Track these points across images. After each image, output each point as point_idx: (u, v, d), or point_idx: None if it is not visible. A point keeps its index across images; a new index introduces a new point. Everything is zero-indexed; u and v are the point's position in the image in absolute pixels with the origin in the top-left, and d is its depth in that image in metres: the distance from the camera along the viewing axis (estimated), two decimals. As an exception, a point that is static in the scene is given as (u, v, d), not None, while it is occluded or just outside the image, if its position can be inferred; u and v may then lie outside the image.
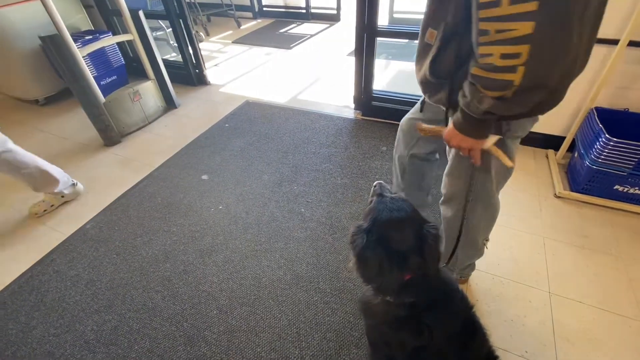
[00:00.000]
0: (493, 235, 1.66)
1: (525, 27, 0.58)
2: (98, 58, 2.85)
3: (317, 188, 1.98)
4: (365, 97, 2.55)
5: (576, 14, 0.59)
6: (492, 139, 0.83)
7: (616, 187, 1.69)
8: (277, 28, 4.80)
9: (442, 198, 1.20)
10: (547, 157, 2.11)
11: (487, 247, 1.29)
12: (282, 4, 5.18)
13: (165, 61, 2.82)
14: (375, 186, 0.93)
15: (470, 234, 1.18)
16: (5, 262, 1.69)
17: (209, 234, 1.76)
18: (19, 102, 3.16)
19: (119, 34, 2.99)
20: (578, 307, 1.36)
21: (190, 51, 3.09)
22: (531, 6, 0.56)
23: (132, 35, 2.53)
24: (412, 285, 0.79)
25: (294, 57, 3.84)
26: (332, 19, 4.88)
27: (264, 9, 5.24)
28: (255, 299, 1.46)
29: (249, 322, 1.37)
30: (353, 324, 1.34)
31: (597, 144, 1.63)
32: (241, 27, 4.87)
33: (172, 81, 2.87)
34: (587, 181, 1.73)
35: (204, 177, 2.14)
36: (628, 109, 1.79)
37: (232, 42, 4.37)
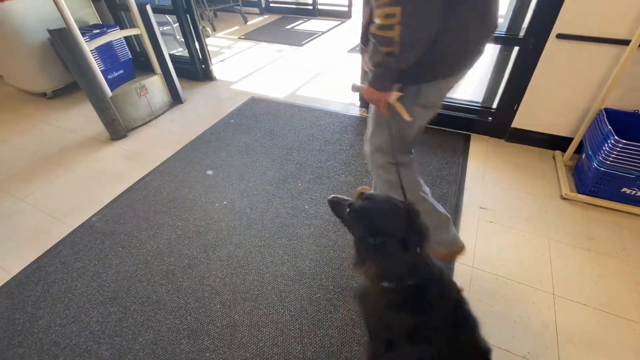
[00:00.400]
0: (497, 235, 1.66)
1: None
2: (105, 52, 2.87)
3: (322, 185, 1.99)
4: (371, 95, 2.54)
5: None
6: (395, 95, 1.00)
7: (624, 189, 1.67)
8: (284, 24, 4.78)
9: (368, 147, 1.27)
10: (553, 158, 2.10)
11: (428, 200, 1.27)
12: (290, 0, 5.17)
13: (171, 56, 2.83)
14: (335, 202, 0.96)
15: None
16: (12, 252, 1.72)
17: (213, 228, 1.77)
18: (27, 95, 3.19)
19: (127, 28, 3.00)
20: (582, 310, 1.35)
21: (197, 46, 3.10)
22: None
23: (140, 30, 2.54)
24: (414, 268, 0.81)
25: (304, 54, 3.82)
26: (343, 15, 4.85)
27: (271, 4, 5.23)
28: (258, 294, 1.46)
29: (252, 317, 1.38)
30: (355, 321, 1.35)
31: (606, 145, 1.61)
32: (248, 23, 4.87)
33: (178, 76, 2.87)
34: (594, 183, 1.72)
35: (209, 172, 2.15)
36: (638, 110, 1.77)
37: (239, 38, 4.37)
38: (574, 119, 1.99)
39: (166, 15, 3.92)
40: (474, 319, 0.83)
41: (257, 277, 1.53)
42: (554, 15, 1.73)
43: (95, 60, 2.30)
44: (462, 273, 1.50)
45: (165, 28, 4.14)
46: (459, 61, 1.00)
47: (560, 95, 1.95)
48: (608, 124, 1.64)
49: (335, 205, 0.95)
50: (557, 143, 2.10)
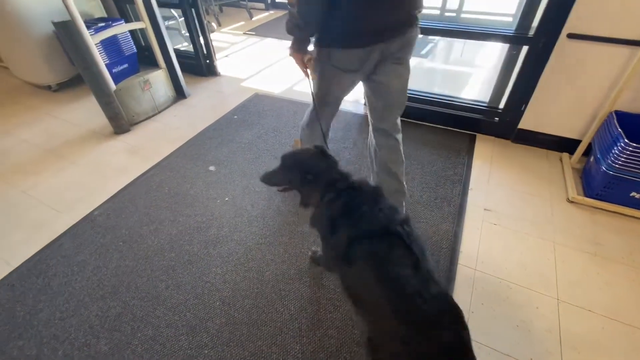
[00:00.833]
0: (501, 237, 1.63)
1: None
2: (110, 46, 2.86)
3: (324, 183, 1.97)
4: (376, 93, 2.51)
5: None
6: (307, 57, 1.31)
7: (633, 194, 1.63)
8: (289, 20, 4.75)
9: None
10: (560, 160, 2.06)
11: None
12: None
13: (176, 51, 2.82)
14: None
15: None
16: (14, 245, 1.72)
17: (214, 225, 1.76)
18: (32, 87, 3.19)
19: (132, 22, 2.99)
20: (586, 316, 1.33)
21: (202, 41, 3.08)
22: None
23: (145, 24, 2.53)
24: (338, 180, 1.08)
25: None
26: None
27: (277, 0, 5.20)
28: (258, 292, 1.45)
29: (251, 315, 1.37)
30: (355, 321, 1.33)
31: (615, 148, 1.58)
32: (253, 19, 4.84)
33: (182, 71, 2.86)
34: (602, 187, 1.68)
35: (211, 168, 2.14)
36: (649, 113, 1.73)
37: (244, 33, 4.35)
38: (582, 121, 1.95)
39: (171, 10, 3.91)
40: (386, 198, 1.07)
41: (257, 275, 1.52)
42: (565, 15, 1.69)
43: (100, 53, 2.29)
44: (465, 275, 1.48)
45: (171, 22, 4.13)
46: (361, 36, 1.19)
47: (569, 96, 1.91)
48: (618, 127, 1.60)
49: (268, 177, 1.18)
50: (564, 145, 2.07)
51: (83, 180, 2.11)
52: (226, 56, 3.72)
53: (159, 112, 2.76)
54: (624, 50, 1.65)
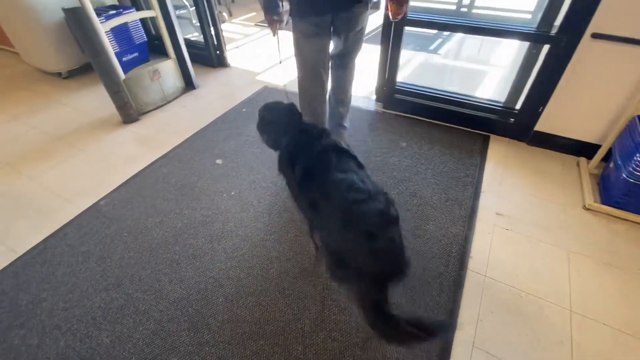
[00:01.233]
0: (513, 243, 1.58)
1: None
2: (121, 34, 2.84)
3: (332, 181, 1.93)
4: (388, 89, 2.45)
5: None
6: (276, 18, 1.54)
7: (654, 203, 1.57)
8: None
9: None
10: (578, 165, 1.99)
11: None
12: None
13: (186, 41, 2.78)
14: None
15: None
16: (20, 232, 1.72)
17: (219, 219, 1.74)
18: (42, 74, 3.19)
19: (143, 10, 2.95)
20: (600, 329, 1.28)
21: (212, 32, 3.04)
22: None
23: (155, 12, 2.49)
24: (302, 130, 1.43)
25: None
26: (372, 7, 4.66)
27: (290, -9, 5.11)
28: (261, 289, 1.43)
29: (253, 313, 1.35)
30: (360, 325, 1.30)
31: (638, 155, 1.51)
32: (265, 10, 4.77)
33: (192, 61, 2.83)
34: (621, 195, 1.61)
35: (219, 161, 2.11)
36: (675, 119, 1.65)
37: (255, 25, 4.29)
38: (603, 125, 1.87)
39: (183, -1, 3.87)
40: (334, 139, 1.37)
41: (261, 272, 1.50)
42: (590, 14, 1.62)
43: (110, 41, 2.27)
44: (474, 282, 1.43)
45: (182, 11, 4.09)
46: (316, 7, 1.52)
47: (590, 99, 1.84)
48: (642, 133, 1.53)
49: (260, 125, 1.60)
50: (582, 149, 1.99)
51: (91, 169, 2.11)
52: (237, 47, 3.68)
53: (168, 102, 2.74)
54: (652, 52, 1.58)
